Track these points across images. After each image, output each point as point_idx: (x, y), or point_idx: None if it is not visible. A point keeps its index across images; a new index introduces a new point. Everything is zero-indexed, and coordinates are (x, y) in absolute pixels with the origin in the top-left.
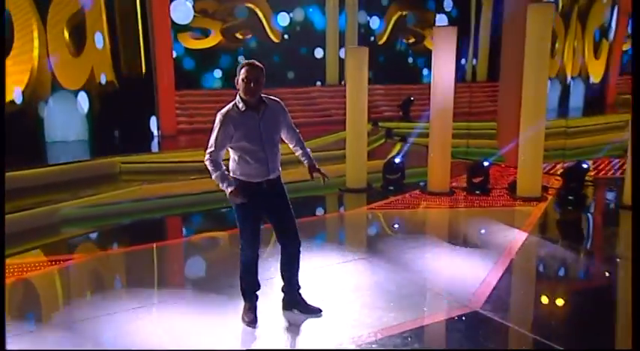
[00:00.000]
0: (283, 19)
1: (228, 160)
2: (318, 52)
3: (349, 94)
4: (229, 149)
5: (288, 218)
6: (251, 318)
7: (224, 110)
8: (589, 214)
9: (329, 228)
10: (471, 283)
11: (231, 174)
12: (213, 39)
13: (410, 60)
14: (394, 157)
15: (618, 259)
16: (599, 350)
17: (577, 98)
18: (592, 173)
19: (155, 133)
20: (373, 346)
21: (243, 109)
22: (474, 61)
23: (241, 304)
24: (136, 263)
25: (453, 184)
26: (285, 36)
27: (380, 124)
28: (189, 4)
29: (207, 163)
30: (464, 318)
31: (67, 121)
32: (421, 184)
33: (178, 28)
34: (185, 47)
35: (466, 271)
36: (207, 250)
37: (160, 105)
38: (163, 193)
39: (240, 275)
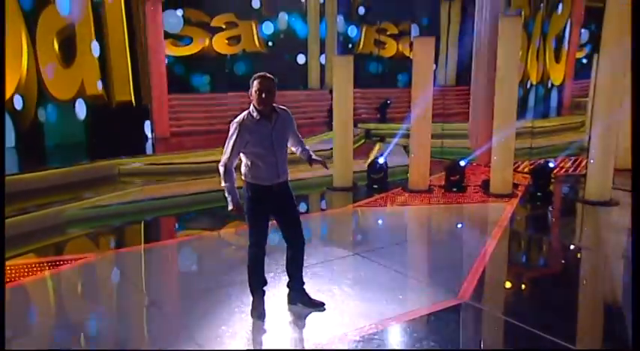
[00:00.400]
0: (267, 27)
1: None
2: (301, 59)
3: (336, 99)
4: (242, 155)
5: (293, 219)
6: (260, 312)
7: (239, 119)
8: (555, 210)
9: (318, 225)
10: (458, 274)
11: (242, 177)
12: (196, 46)
13: (385, 66)
14: (377, 157)
15: (584, 249)
16: (600, 350)
17: (540, 101)
18: (556, 171)
19: (149, 135)
20: (375, 337)
21: (257, 117)
22: (446, 67)
23: (250, 298)
24: (145, 261)
25: (431, 182)
26: (270, 43)
27: (359, 125)
28: (179, 14)
29: (220, 169)
30: (454, 309)
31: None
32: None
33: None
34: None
35: (452, 264)
36: (213, 248)
37: (153, 109)
38: (163, 193)
39: (249, 271)
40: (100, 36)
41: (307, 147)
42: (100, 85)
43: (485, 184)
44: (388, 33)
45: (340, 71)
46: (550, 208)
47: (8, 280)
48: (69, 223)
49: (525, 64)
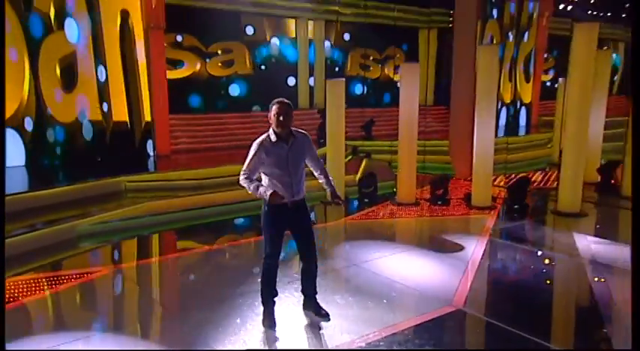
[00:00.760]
0: (260, 52)
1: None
2: (291, 81)
3: (329, 119)
4: (261, 174)
5: (308, 235)
6: (270, 322)
7: (259, 140)
8: (532, 220)
9: (315, 238)
10: (451, 283)
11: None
12: (188, 70)
13: (369, 86)
14: (368, 174)
15: (561, 257)
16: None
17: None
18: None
19: (151, 153)
20: (381, 343)
21: (275, 139)
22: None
23: (260, 308)
24: (159, 273)
25: (418, 195)
26: (262, 67)
27: (346, 142)
28: (180, 39)
29: (241, 181)
30: (451, 316)
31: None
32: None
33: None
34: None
35: (444, 273)
36: (222, 260)
37: (155, 128)
38: (170, 208)
39: (262, 282)
40: (102, 61)
41: (331, 178)
42: (105, 107)
43: (468, 198)
44: (371, 58)
45: (333, 93)
46: (527, 220)
47: (27, 294)
48: (81, 238)
49: (498, 86)
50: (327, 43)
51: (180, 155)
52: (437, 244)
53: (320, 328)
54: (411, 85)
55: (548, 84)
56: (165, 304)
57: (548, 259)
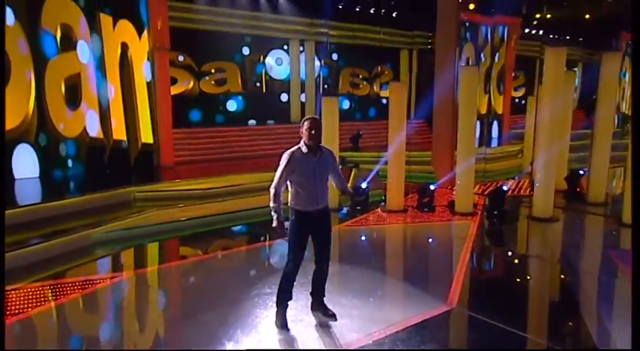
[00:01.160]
0: (255, 71)
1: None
2: (284, 97)
3: (325, 132)
4: (289, 183)
5: (326, 242)
6: (282, 322)
7: (290, 151)
8: (510, 226)
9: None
10: (444, 283)
11: (289, 204)
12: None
13: (356, 102)
14: (360, 183)
15: (537, 258)
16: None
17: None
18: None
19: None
20: (385, 340)
21: (305, 151)
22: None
23: (274, 309)
24: (175, 277)
25: (405, 203)
26: (257, 84)
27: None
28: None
29: (271, 191)
30: (447, 314)
31: None
32: (382, 204)
33: None
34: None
35: (436, 274)
36: (235, 264)
37: (160, 142)
38: (178, 217)
39: (280, 284)
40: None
41: (348, 189)
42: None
43: (451, 205)
44: (360, 76)
45: (328, 109)
46: (506, 225)
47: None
48: (96, 245)
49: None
50: (316, 63)
51: (183, 166)
52: (427, 247)
53: (329, 328)
54: (399, 101)
55: (517, 100)
56: (182, 305)
57: (528, 260)
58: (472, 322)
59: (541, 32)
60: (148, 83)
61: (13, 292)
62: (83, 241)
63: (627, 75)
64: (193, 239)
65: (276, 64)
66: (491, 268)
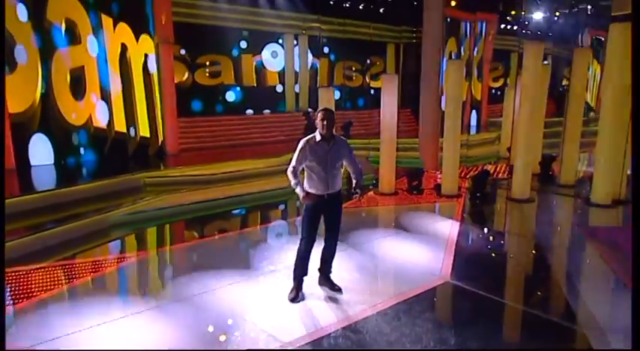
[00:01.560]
0: (252, 63)
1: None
2: (279, 88)
3: None
4: (304, 168)
5: (335, 224)
6: (294, 296)
7: (306, 139)
8: (492, 206)
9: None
10: (436, 259)
11: (304, 187)
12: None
13: (346, 92)
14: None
15: (517, 236)
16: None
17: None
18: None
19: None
20: (388, 311)
21: (319, 139)
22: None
23: (291, 284)
24: (197, 253)
25: (396, 186)
26: (253, 76)
27: None
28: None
29: (288, 174)
30: (442, 286)
31: None
32: (370, 186)
33: None
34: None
35: (429, 250)
36: (248, 244)
37: (166, 130)
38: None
39: (296, 261)
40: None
41: (360, 177)
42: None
43: (438, 188)
44: (353, 68)
45: (324, 98)
46: (488, 205)
47: (88, 272)
48: (114, 227)
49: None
50: (309, 55)
51: (188, 153)
52: (418, 226)
53: (337, 300)
54: (391, 92)
55: (493, 91)
56: (202, 278)
57: (509, 237)
58: (463, 292)
59: (515, 28)
60: (152, 75)
61: (36, 271)
62: (101, 224)
63: (591, 69)
64: (203, 221)
65: (272, 57)
66: (478, 244)
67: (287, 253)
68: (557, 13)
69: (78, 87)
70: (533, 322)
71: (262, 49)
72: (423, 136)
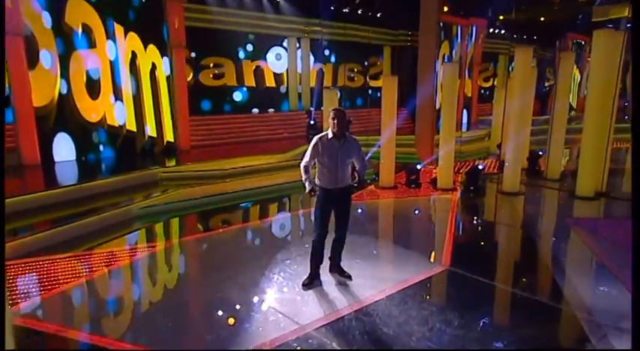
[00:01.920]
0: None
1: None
2: (282, 88)
3: (325, 120)
4: (316, 163)
5: (344, 216)
6: (306, 282)
7: (318, 136)
8: (484, 199)
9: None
10: (437, 247)
11: (316, 181)
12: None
13: (345, 92)
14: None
15: (509, 226)
16: (601, 350)
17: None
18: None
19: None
20: (395, 296)
21: (330, 137)
22: None
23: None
24: (213, 245)
25: (395, 180)
26: (259, 77)
27: None
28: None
29: (302, 168)
30: (444, 273)
31: None
32: (368, 180)
33: None
34: None
35: (429, 240)
36: (263, 233)
37: (178, 128)
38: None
39: (311, 251)
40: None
41: (363, 173)
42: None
43: (434, 182)
44: (355, 70)
45: (329, 99)
46: (481, 198)
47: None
48: (136, 219)
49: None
50: (311, 58)
51: (199, 150)
52: (418, 217)
53: (347, 286)
54: (391, 93)
55: (482, 91)
56: (224, 267)
57: (502, 227)
58: (462, 278)
59: (502, 32)
60: (159, 81)
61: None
62: (124, 216)
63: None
64: (217, 213)
65: (276, 60)
66: (474, 234)
67: (301, 243)
68: (542, 18)
69: (94, 87)
70: (525, 304)
71: (267, 52)
72: (419, 134)
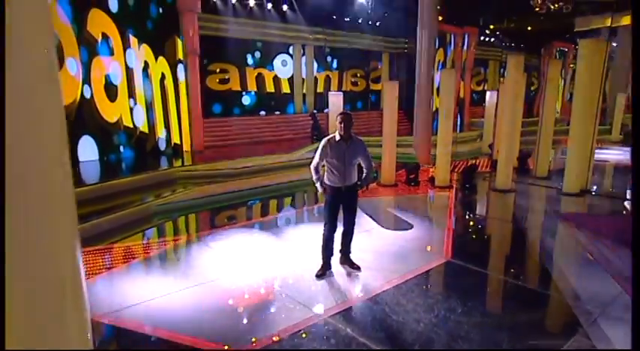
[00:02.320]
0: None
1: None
2: (288, 92)
3: (332, 122)
4: (325, 164)
5: (352, 211)
6: (320, 273)
7: (327, 138)
8: (479, 196)
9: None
10: (438, 241)
11: (324, 180)
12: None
13: (347, 96)
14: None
15: (504, 221)
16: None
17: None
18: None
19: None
20: (402, 286)
21: (338, 139)
22: None
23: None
24: (232, 239)
25: (395, 179)
26: (266, 82)
27: None
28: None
29: (311, 168)
30: (446, 265)
31: None
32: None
33: None
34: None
35: (431, 234)
36: (274, 228)
37: (193, 130)
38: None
39: (322, 244)
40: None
41: (368, 174)
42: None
43: (432, 180)
44: (358, 75)
45: (334, 102)
46: (476, 195)
47: (135, 255)
48: (155, 215)
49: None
50: (314, 64)
51: (212, 150)
52: (419, 213)
53: (357, 277)
54: (392, 96)
55: (474, 95)
56: (244, 259)
57: (497, 222)
58: (463, 269)
59: (492, 39)
60: (167, 89)
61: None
62: (145, 212)
63: None
64: (232, 209)
65: (282, 66)
66: (471, 228)
67: (313, 236)
68: (530, 28)
69: (112, 91)
70: (521, 292)
71: (274, 58)
72: (417, 135)
